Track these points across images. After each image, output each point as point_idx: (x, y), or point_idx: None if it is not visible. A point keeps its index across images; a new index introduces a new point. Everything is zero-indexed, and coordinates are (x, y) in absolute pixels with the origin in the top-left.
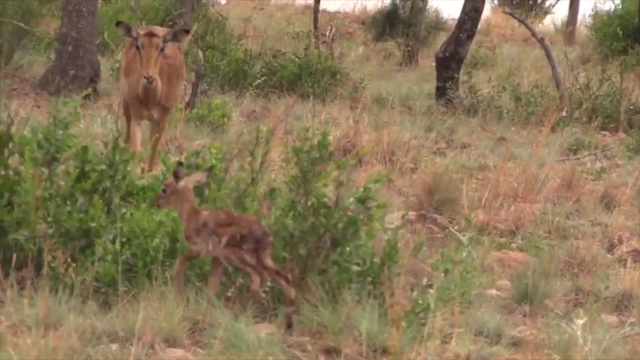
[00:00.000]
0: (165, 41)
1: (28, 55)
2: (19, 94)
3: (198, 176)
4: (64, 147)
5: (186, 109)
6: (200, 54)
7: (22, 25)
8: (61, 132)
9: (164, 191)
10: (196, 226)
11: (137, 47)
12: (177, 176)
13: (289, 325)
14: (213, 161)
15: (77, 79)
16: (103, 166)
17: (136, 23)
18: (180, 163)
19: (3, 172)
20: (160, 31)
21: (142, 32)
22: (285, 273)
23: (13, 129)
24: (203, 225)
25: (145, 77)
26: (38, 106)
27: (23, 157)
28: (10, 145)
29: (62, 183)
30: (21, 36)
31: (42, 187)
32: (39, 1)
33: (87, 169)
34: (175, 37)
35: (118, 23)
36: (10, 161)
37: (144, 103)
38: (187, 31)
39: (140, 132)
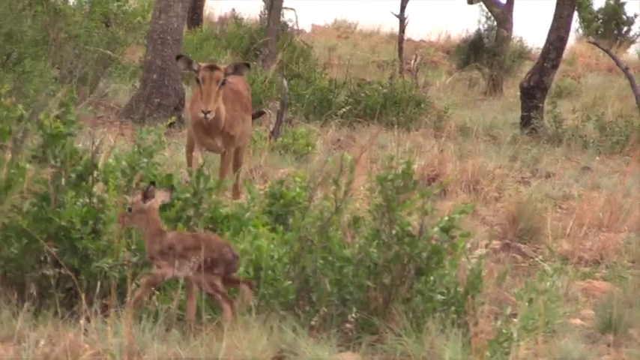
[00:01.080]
0: (226, 75)
1: (113, 83)
2: (104, 122)
3: (163, 195)
4: (148, 175)
5: (270, 137)
6: (285, 83)
7: (107, 52)
8: (145, 160)
9: (129, 210)
10: (161, 248)
11: (197, 81)
12: (146, 196)
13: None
14: (297, 190)
15: (162, 107)
16: (187, 195)
17: (221, 52)
18: (152, 183)
19: (87, 200)
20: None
21: (202, 65)
22: (230, 299)
23: (98, 157)
24: (169, 247)
25: (202, 111)
26: (123, 134)
27: (107, 185)
28: (95, 173)
29: None
30: (106, 64)
31: None
32: (124, 29)
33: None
34: (237, 70)
35: (178, 57)
36: (94, 189)
37: (207, 130)
38: (248, 65)
39: (201, 159)
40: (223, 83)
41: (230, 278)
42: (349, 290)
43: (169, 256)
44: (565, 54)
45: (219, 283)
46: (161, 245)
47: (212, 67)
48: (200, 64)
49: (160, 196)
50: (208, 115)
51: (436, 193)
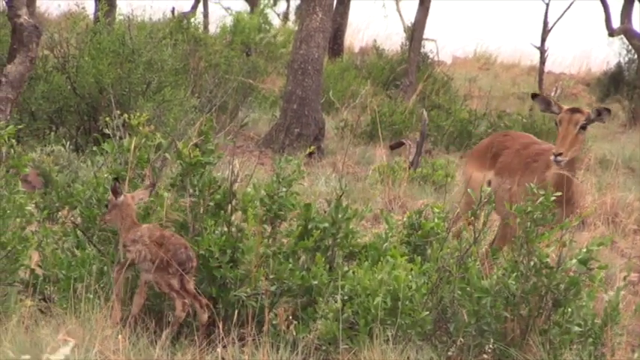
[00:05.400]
0: (588, 120)
1: (252, 113)
2: (244, 152)
3: (141, 194)
4: (287, 205)
5: (409, 168)
6: (425, 113)
7: (249, 81)
8: (284, 189)
9: (106, 206)
10: (134, 237)
11: (556, 123)
12: (115, 192)
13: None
14: (436, 220)
15: (302, 137)
16: (326, 224)
17: (362, 82)
18: (116, 179)
19: (226, 229)
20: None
21: (564, 107)
22: (202, 298)
23: (237, 186)
24: (140, 236)
25: (553, 153)
26: (262, 164)
27: (246, 214)
28: (234, 202)
29: (285, 240)
30: (246, 93)
31: (264, 245)
32: (265, 58)
33: (310, 226)
34: (600, 116)
35: (534, 96)
36: (233, 218)
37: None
38: (609, 110)
39: None
40: (584, 127)
41: (187, 289)
42: (487, 321)
43: (139, 243)
44: None
45: (174, 282)
46: (134, 235)
47: (574, 110)
48: (561, 105)
49: (139, 194)
50: (559, 158)
51: (574, 225)
